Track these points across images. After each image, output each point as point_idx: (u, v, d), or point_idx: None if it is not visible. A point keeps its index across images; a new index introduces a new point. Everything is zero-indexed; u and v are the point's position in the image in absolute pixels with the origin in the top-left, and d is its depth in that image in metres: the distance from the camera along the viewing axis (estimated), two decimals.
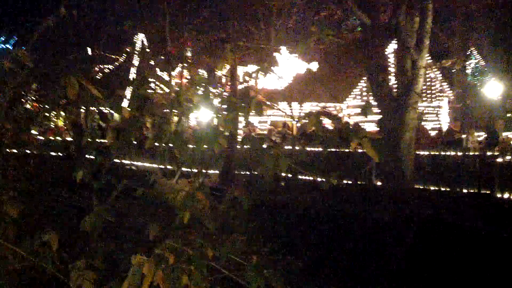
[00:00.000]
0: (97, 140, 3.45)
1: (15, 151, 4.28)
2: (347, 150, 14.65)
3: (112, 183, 3.37)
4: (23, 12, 27.33)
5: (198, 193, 2.60)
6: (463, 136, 15.77)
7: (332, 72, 23.60)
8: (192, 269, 2.42)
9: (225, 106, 3.10)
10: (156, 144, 2.96)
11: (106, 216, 2.96)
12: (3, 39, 29.50)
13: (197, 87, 3.31)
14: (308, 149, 15.35)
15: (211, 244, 2.78)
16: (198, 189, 2.66)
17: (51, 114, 4.07)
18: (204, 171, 3.50)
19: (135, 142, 3.09)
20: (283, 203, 15.12)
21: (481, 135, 17.34)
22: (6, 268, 2.82)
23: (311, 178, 15.46)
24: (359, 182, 14.53)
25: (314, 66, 23.02)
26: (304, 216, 14.33)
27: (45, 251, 2.48)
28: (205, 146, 3.08)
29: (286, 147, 14.34)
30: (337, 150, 14.98)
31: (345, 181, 14.82)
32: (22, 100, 4.23)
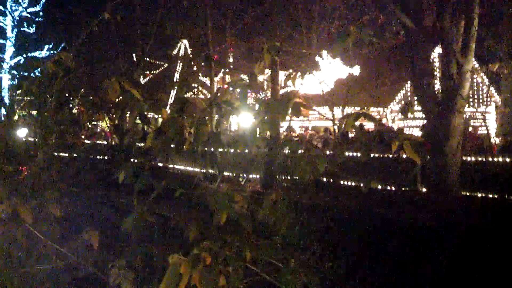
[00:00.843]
0: (138, 142, 3.52)
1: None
2: (391, 156, 14.40)
3: (153, 184, 3.42)
4: (70, 18, 28.18)
5: (236, 194, 2.60)
6: None
7: (375, 77, 23.28)
8: (229, 271, 2.42)
9: (264, 110, 3.10)
10: (194, 147, 2.99)
11: (146, 217, 3.00)
12: (51, 45, 30.54)
13: (236, 90, 3.33)
14: (350, 154, 15.18)
15: (249, 246, 2.77)
16: (236, 191, 2.66)
17: (95, 117, 4.16)
18: (244, 175, 3.50)
19: (175, 145, 3.12)
20: (324, 207, 14.99)
21: None
22: (50, 267, 2.90)
23: (353, 183, 15.29)
24: (404, 188, 14.24)
25: (356, 70, 22.79)
26: (346, 220, 14.15)
27: (86, 250, 2.53)
28: (243, 148, 3.09)
29: (327, 152, 14.20)
30: (381, 155, 14.76)
31: (389, 187, 14.58)
32: (69, 104, 4.35)
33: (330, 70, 23.17)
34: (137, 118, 3.36)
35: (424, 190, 13.66)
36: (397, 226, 12.38)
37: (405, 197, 13.75)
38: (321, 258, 11.99)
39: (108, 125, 3.92)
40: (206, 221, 3.23)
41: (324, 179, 16.01)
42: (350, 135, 12.21)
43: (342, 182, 15.36)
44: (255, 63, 3.39)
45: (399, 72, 21.59)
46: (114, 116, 3.59)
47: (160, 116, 2.92)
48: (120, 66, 24.65)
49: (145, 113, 3.23)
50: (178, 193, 2.90)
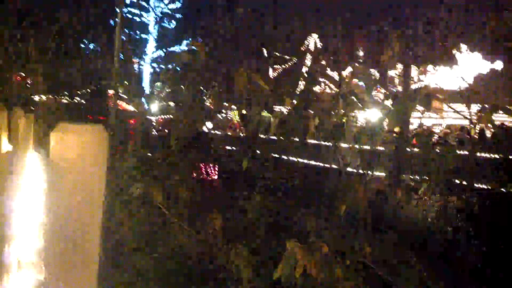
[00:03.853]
0: (262, 134, 3.60)
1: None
2: None
3: (275, 175, 3.48)
4: (205, 15, 29.55)
5: (358, 187, 2.55)
6: None
7: None
8: (347, 263, 2.39)
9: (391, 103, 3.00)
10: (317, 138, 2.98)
11: (268, 205, 3.07)
12: (190, 40, 32.27)
13: (363, 83, 3.26)
14: (487, 155, 14.11)
15: (369, 241, 2.71)
16: (358, 183, 2.61)
17: (224, 108, 4.33)
18: (369, 172, 3.41)
19: (298, 135, 3.14)
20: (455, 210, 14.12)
21: None
22: (177, 243, 3.09)
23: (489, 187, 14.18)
24: None
25: (499, 65, 21.05)
26: (477, 226, 13.21)
27: (210, 230, 2.65)
28: (367, 142, 3.02)
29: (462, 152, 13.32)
30: None
31: None
32: (202, 95, 4.57)
33: (469, 65, 21.69)
34: (263, 109, 3.44)
35: None
36: None
37: None
38: (447, 260, 11.33)
39: (236, 115, 4.06)
40: (326, 214, 3.22)
41: (457, 181, 14.99)
42: (488, 134, 11.35)
43: (476, 184, 14.29)
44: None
45: None
46: (241, 106, 3.70)
47: (286, 107, 2.96)
48: (249, 59, 25.38)
49: (271, 104, 3.30)
50: (297, 183, 2.92)
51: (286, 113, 3.07)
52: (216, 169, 20.86)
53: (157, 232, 2.94)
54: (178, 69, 3.90)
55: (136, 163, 3.05)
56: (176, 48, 32.63)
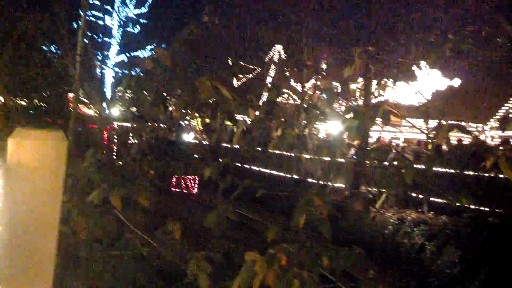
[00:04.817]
0: (225, 143, 3.60)
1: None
2: (492, 175, 13.58)
3: (237, 183, 3.49)
4: (172, 21, 29.46)
5: (316, 199, 2.58)
6: None
7: (476, 91, 22.11)
8: (304, 275, 2.40)
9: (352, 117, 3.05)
10: (279, 149, 3.01)
11: (229, 215, 3.07)
12: (154, 46, 32.05)
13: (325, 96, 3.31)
14: (443, 169, 14.53)
15: (328, 253, 2.74)
16: (317, 195, 2.64)
17: (187, 115, 4.32)
18: (329, 183, 3.45)
19: (260, 146, 3.16)
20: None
21: None
22: (134, 253, 3.05)
23: (443, 200, 14.60)
24: (498, 210, 13.39)
25: (456, 83, 21.79)
26: (429, 238, 13.58)
27: (169, 240, 2.62)
28: (327, 154, 3.06)
29: (419, 166, 13.67)
30: (477, 173, 13.97)
31: (483, 208, 13.77)
32: (165, 102, 4.54)
33: (428, 81, 22.33)
34: (227, 118, 3.45)
35: None
36: (489, 248, 11.72)
37: (501, 220, 12.91)
38: (400, 272, 11.61)
39: (199, 124, 4.06)
40: (286, 224, 3.24)
41: (413, 194, 15.45)
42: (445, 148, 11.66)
43: (432, 198, 14.71)
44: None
45: (503, 87, 20.35)
46: (204, 114, 3.70)
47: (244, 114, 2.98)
48: (213, 67, 25.40)
49: (235, 114, 3.31)
50: (259, 194, 2.93)
51: (249, 123, 3.09)
52: (197, 182, 20.61)
53: (115, 240, 2.90)
54: (142, 75, 3.87)
55: (96, 169, 3.00)
56: (140, 53, 32.34)
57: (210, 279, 2.40)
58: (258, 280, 2.16)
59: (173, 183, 19.23)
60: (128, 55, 32.76)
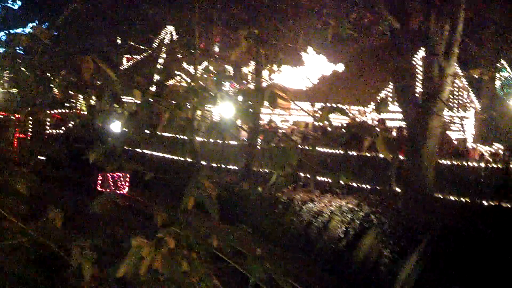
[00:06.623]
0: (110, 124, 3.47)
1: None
2: (369, 155, 14.54)
3: (124, 167, 3.39)
4: None
5: (205, 181, 2.59)
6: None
7: (358, 76, 23.38)
8: (194, 257, 2.41)
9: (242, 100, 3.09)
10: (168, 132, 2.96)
11: (115, 199, 2.98)
12: (35, 24, 30.02)
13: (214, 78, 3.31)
14: (329, 151, 15.28)
15: (217, 233, 2.77)
16: (205, 177, 2.64)
17: (70, 96, 4.10)
18: (223, 165, 3.47)
19: (148, 129, 3.10)
20: (291, 201, 15.09)
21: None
22: (15, 243, 2.86)
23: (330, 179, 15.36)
24: (378, 187, 14.38)
25: (340, 68, 22.87)
26: (317, 215, 14.26)
27: (50, 229, 2.50)
28: (217, 137, 3.08)
29: (306, 147, 14.27)
30: (359, 154, 14.89)
31: (364, 185, 14.70)
32: (49, 83, 4.27)
33: (315, 66, 23.21)
34: (113, 100, 3.32)
35: (398, 189, 13.81)
36: (369, 223, 12.53)
37: (379, 195, 13.88)
38: (288, 248, 12.08)
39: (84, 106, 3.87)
40: (176, 207, 3.22)
41: (301, 174, 16.02)
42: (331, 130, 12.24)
43: (319, 178, 15.43)
44: (241, 54, 3.37)
45: (383, 72, 21.70)
46: (89, 96, 3.54)
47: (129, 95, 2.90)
48: (98, 46, 24.34)
49: (120, 95, 3.19)
50: (147, 177, 2.88)
51: (137, 105, 3.01)
52: (127, 180, 18.94)
53: None
54: (22, 53, 3.62)
55: None
56: (20, 31, 30.09)
57: (95, 267, 2.32)
58: (145, 265, 2.13)
59: (99, 182, 17.21)
60: (6, 32, 30.38)
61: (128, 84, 3.28)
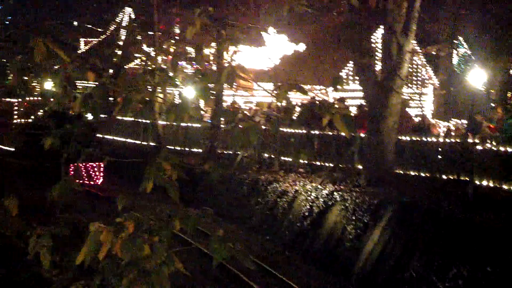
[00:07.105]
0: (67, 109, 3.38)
1: None
2: (331, 133, 14.70)
3: (81, 151, 3.32)
4: None
5: (165, 164, 2.56)
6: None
7: (319, 55, 23.49)
8: (155, 240, 2.39)
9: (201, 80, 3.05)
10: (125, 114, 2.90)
11: (73, 186, 2.91)
12: None
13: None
14: (292, 131, 15.37)
15: (178, 215, 2.74)
16: (165, 160, 2.61)
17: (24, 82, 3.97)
18: (187, 148, 3.43)
19: (104, 111, 3.03)
20: (264, 183, 15.18)
21: (463, 123, 17.47)
22: None
23: (290, 159, 15.48)
24: (340, 165, 14.58)
25: (302, 47, 22.91)
26: (282, 195, 14.38)
27: (5, 217, 2.42)
28: (175, 119, 3.03)
29: (270, 128, 14.31)
30: (322, 133, 15.03)
31: (327, 164, 14.87)
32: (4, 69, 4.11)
33: (276, 46, 23.15)
34: (66, 84, 3.22)
35: (360, 166, 14.04)
36: (333, 201, 12.72)
37: (342, 173, 14.07)
38: (253, 230, 12.19)
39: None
40: (137, 191, 3.17)
41: (266, 155, 16.17)
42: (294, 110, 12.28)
43: (283, 158, 15.55)
44: (202, 35, 3.31)
45: (343, 51, 21.86)
46: (41, 80, 3.43)
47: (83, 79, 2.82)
48: (50, 28, 23.57)
49: (73, 77, 3.10)
50: (105, 160, 2.82)
51: (91, 88, 2.93)
52: (101, 170, 17.99)
53: None
54: None
55: None
56: None
57: (54, 254, 2.27)
58: (104, 250, 2.10)
59: (71, 172, 16.61)
60: None
61: (83, 67, 3.19)
